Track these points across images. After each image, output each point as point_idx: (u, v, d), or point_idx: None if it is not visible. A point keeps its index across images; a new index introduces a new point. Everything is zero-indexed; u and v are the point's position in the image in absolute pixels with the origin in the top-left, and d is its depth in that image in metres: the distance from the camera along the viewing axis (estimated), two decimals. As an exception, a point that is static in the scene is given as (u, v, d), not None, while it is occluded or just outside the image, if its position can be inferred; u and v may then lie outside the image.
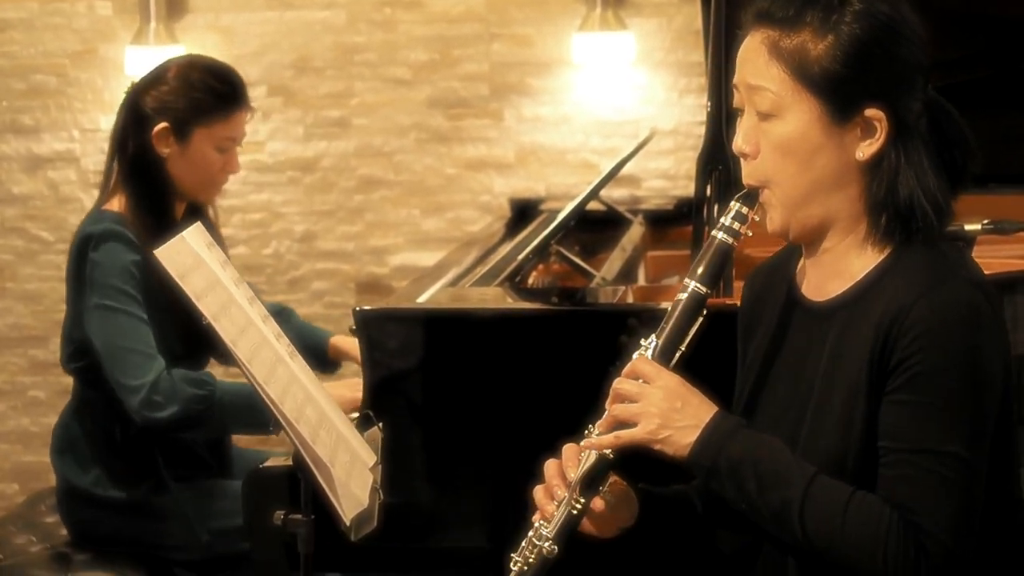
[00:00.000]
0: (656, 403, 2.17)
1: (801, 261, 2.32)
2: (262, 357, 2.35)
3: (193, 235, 2.37)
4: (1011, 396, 2.17)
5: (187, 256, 2.33)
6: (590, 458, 2.23)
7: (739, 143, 2.22)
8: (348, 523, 2.39)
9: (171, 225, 3.38)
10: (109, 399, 3.48)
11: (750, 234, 2.25)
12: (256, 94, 5.21)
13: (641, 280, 4.16)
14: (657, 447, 2.18)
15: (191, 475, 3.60)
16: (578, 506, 2.22)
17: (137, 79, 3.62)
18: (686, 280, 2.24)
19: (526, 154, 5.54)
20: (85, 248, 3.44)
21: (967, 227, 3.15)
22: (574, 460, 2.24)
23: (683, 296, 2.23)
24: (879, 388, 2.11)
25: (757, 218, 2.23)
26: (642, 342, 2.25)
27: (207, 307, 2.28)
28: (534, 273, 3.82)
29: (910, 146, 2.16)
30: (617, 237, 4.30)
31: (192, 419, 3.36)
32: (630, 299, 3.31)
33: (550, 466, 2.27)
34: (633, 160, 4.73)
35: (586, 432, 2.25)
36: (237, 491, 3.10)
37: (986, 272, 2.21)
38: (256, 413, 2.84)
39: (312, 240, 5.65)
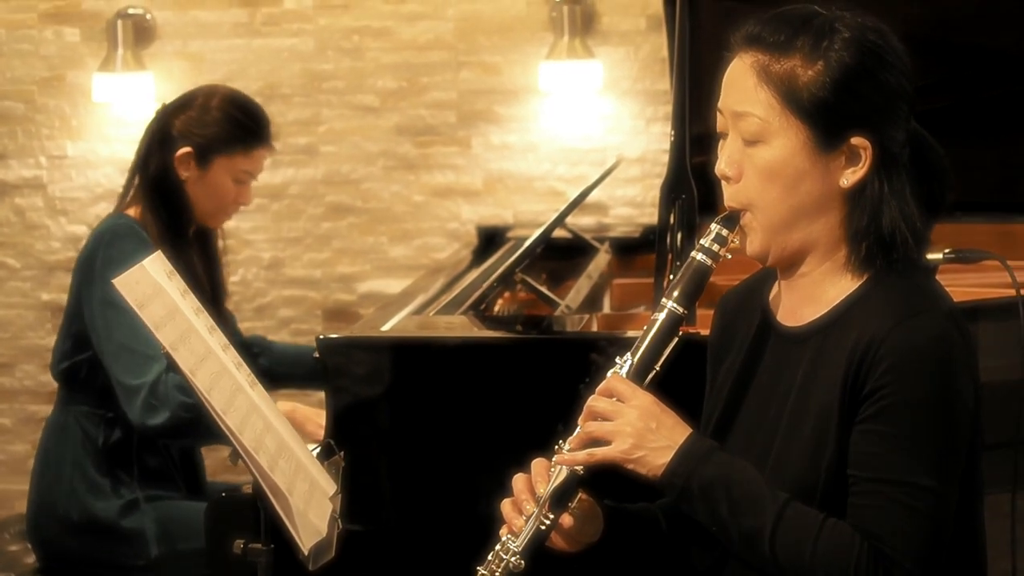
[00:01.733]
0: (631, 422, 2.17)
1: (775, 286, 2.32)
2: (221, 386, 2.34)
3: (153, 264, 2.36)
4: (979, 425, 2.18)
5: (147, 285, 2.32)
6: (560, 474, 2.22)
7: (722, 167, 2.22)
8: (306, 552, 2.38)
9: (182, 242, 3.58)
10: (98, 403, 3.57)
11: (729, 256, 2.25)
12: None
13: (606, 308, 4.17)
14: (630, 466, 2.18)
15: (162, 495, 3.63)
16: (547, 522, 2.22)
17: (166, 104, 3.75)
18: (663, 300, 2.24)
19: (493, 181, 5.55)
20: (100, 242, 3.56)
21: (929, 256, 3.15)
22: (544, 475, 2.24)
23: (660, 316, 2.23)
24: (850, 416, 2.12)
25: (736, 241, 2.24)
26: (617, 360, 2.25)
27: (166, 336, 2.28)
28: (500, 301, 3.82)
29: (893, 175, 2.17)
30: (583, 265, 4.31)
31: (181, 427, 3.41)
32: (595, 327, 3.31)
33: (519, 480, 2.26)
34: (600, 188, 4.74)
35: (556, 448, 2.25)
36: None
37: (947, 301, 2.22)
38: None
39: (279, 267, 5.64)
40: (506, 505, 2.26)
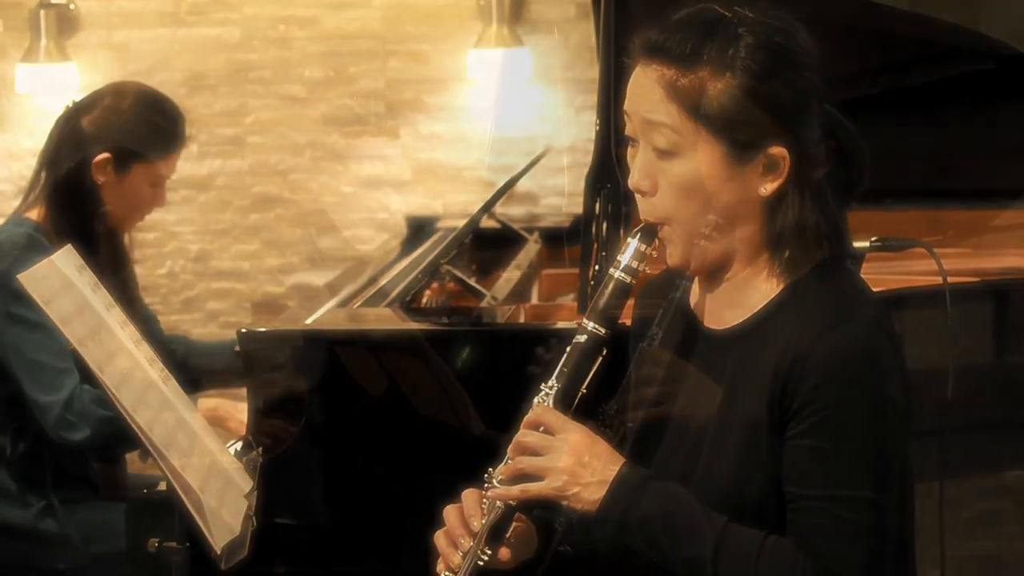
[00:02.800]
0: (562, 458, 2.11)
1: (695, 284, 2.27)
2: (132, 383, 2.30)
3: (63, 258, 2.32)
4: (909, 421, 2.15)
5: (55, 280, 2.27)
6: (494, 508, 2.16)
7: (636, 180, 2.13)
8: (218, 551, 2.35)
9: (89, 244, 3.39)
10: (5, 412, 3.47)
11: (648, 271, 2.19)
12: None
13: (534, 298, 4.14)
14: (564, 503, 2.13)
15: (80, 498, 3.56)
16: (484, 557, 2.15)
17: (76, 102, 3.64)
18: (584, 321, 2.16)
19: (423, 172, 5.52)
20: None
21: (856, 244, 3.13)
22: (476, 508, 2.17)
23: (581, 339, 2.16)
24: (780, 429, 2.07)
25: (655, 254, 2.17)
26: (542, 387, 2.17)
27: (73, 332, 2.23)
28: (427, 292, 3.79)
29: (812, 178, 2.11)
30: (513, 255, 4.28)
31: (104, 441, 3.35)
32: (522, 318, 3.29)
33: (451, 513, 2.19)
34: (530, 177, 4.72)
35: (486, 477, 2.18)
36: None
37: (874, 290, 2.19)
38: None
39: (207, 260, 5.59)
40: (440, 539, 2.19)
